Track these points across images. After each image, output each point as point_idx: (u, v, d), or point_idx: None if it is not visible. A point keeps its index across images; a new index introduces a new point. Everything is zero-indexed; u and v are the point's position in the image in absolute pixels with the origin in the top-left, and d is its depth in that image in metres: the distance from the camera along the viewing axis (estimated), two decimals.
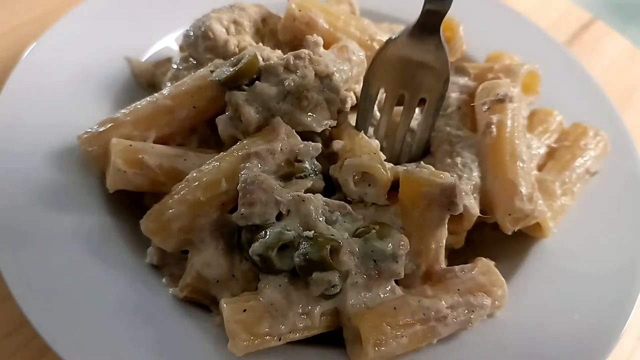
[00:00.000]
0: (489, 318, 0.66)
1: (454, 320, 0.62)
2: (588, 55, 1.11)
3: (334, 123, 0.72)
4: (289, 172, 0.65)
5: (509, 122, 0.73)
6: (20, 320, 0.58)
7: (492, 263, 0.67)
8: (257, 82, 0.69)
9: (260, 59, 0.70)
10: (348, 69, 0.73)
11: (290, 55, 0.70)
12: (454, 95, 0.79)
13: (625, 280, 0.69)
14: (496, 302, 0.65)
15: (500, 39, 0.92)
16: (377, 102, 0.76)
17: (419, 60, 0.71)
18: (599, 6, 1.55)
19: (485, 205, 0.72)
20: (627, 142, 0.84)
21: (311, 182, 0.66)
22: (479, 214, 0.70)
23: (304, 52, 0.70)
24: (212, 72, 0.71)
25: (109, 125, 0.69)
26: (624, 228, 0.75)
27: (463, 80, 0.81)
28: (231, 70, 0.69)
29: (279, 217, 0.63)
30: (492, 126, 0.73)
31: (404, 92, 0.74)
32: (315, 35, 0.75)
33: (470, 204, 0.69)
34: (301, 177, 0.65)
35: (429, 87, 0.72)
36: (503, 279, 0.66)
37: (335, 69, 0.71)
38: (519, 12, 1.02)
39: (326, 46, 0.76)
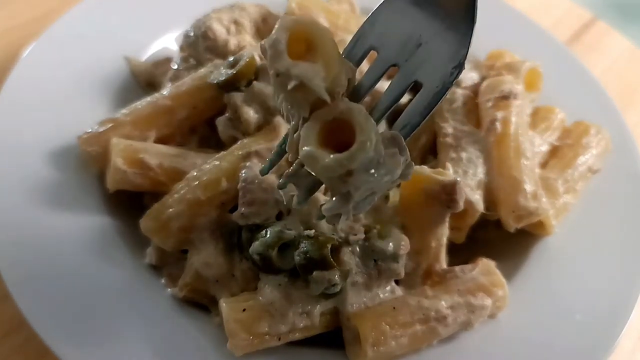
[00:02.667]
0: (490, 319, 0.66)
1: (454, 321, 0.62)
2: (589, 55, 1.11)
3: None
4: None
5: (513, 119, 0.73)
6: (19, 320, 0.58)
7: (492, 263, 0.67)
8: (254, 82, 0.69)
9: (258, 58, 0.70)
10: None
11: None
12: (459, 90, 0.78)
13: (627, 279, 0.69)
14: (497, 302, 0.65)
15: (500, 38, 0.92)
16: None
17: (430, 29, 0.52)
18: (599, 5, 1.55)
19: (489, 202, 0.71)
20: (628, 140, 0.83)
21: None
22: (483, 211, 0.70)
23: None
24: (211, 72, 0.71)
25: (109, 125, 0.69)
26: (626, 227, 0.75)
27: (472, 75, 0.80)
28: (229, 72, 0.69)
29: (280, 216, 0.62)
30: (497, 123, 0.73)
31: (398, 64, 0.53)
32: None
33: (476, 199, 0.69)
34: None
35: (431, 69, 0.52)
36: (504, 280, 0.66)
37: None
38: (519, 11, 1.02)
39: None
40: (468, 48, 0.52)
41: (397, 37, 0.53)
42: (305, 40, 0.48)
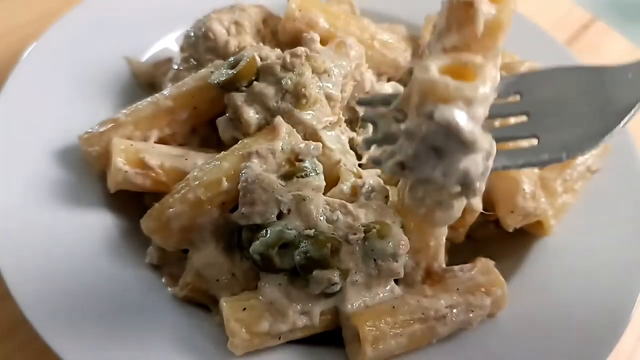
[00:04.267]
0: (489, 318, 0.66)
1: (454, 320, 0.62)
2: (588, 55, 1.11)
3: (335, 119, 0.72)
4: (290, 172, 0.65)
5: (512, 119, 0.73)
6: (20, 319, 0.58)
7: (491, 263, 0.67)
8: (255, 82, 0.69)
9: (259, 59, 0.70)
10: (347, 64, 0.73)
11: (287, 54, 0.70)
12: None
13: (626, 279, 0.69)
14: (496, 302, 0.65)
15: None
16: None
17: (582, 107, 0.53)
18: (599, 6, 1.55)
19: (488, 201, 0.71)
20: (628, 140, 0.83)
21: (312, 181, 0.66)
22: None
23: (300, 49, 0.70)
24: (212, 72, 0.71)
25: (110, 125, 0.70)
26: (625, 226, 0.75)
27: None
28: (229, 72, 0.69)
29: (280, 216, 0.63)
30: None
31: (530, 114, 0.54)
32: (311, 32, 0.75)
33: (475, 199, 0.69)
34: (302, 177, 0.65)
35: (556, 135, 0.53)
36: (503, 279, 0.66)
37: (333, 65, 0.71)
38: (519, 11, 1.02)
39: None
40: (601, 141, 0.53)
41: (545, 95, 0.55)
42: None
